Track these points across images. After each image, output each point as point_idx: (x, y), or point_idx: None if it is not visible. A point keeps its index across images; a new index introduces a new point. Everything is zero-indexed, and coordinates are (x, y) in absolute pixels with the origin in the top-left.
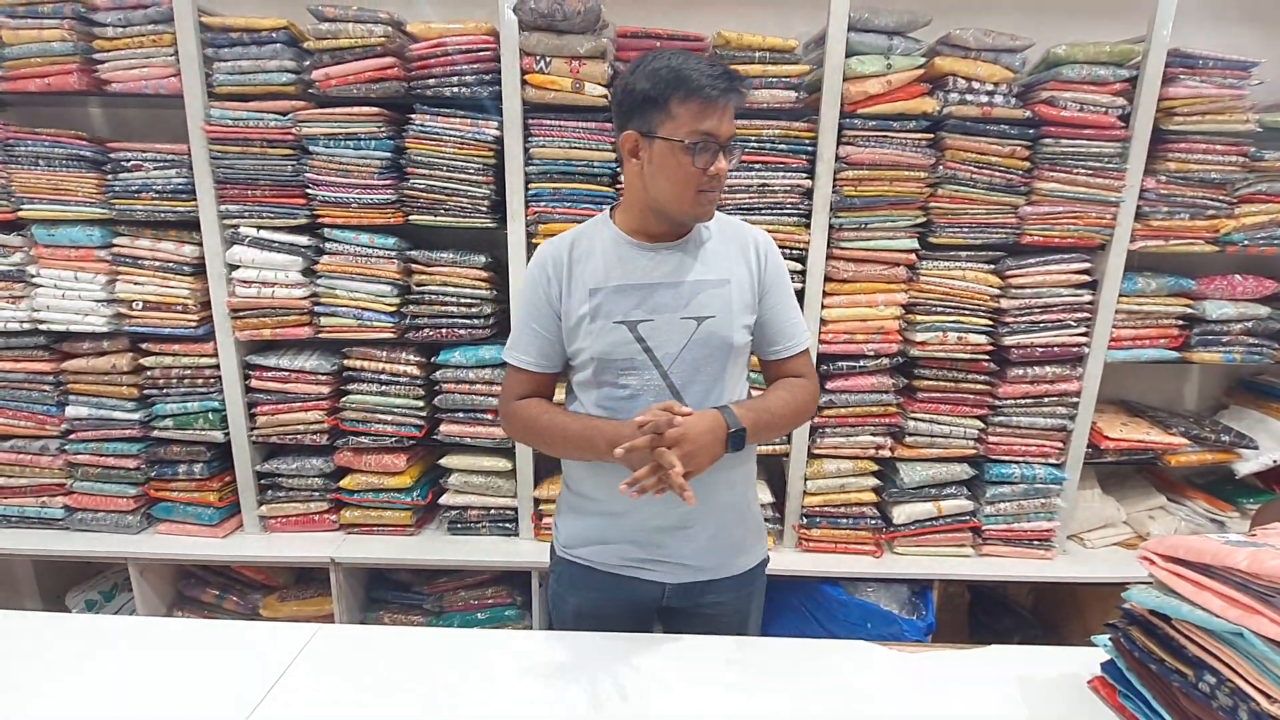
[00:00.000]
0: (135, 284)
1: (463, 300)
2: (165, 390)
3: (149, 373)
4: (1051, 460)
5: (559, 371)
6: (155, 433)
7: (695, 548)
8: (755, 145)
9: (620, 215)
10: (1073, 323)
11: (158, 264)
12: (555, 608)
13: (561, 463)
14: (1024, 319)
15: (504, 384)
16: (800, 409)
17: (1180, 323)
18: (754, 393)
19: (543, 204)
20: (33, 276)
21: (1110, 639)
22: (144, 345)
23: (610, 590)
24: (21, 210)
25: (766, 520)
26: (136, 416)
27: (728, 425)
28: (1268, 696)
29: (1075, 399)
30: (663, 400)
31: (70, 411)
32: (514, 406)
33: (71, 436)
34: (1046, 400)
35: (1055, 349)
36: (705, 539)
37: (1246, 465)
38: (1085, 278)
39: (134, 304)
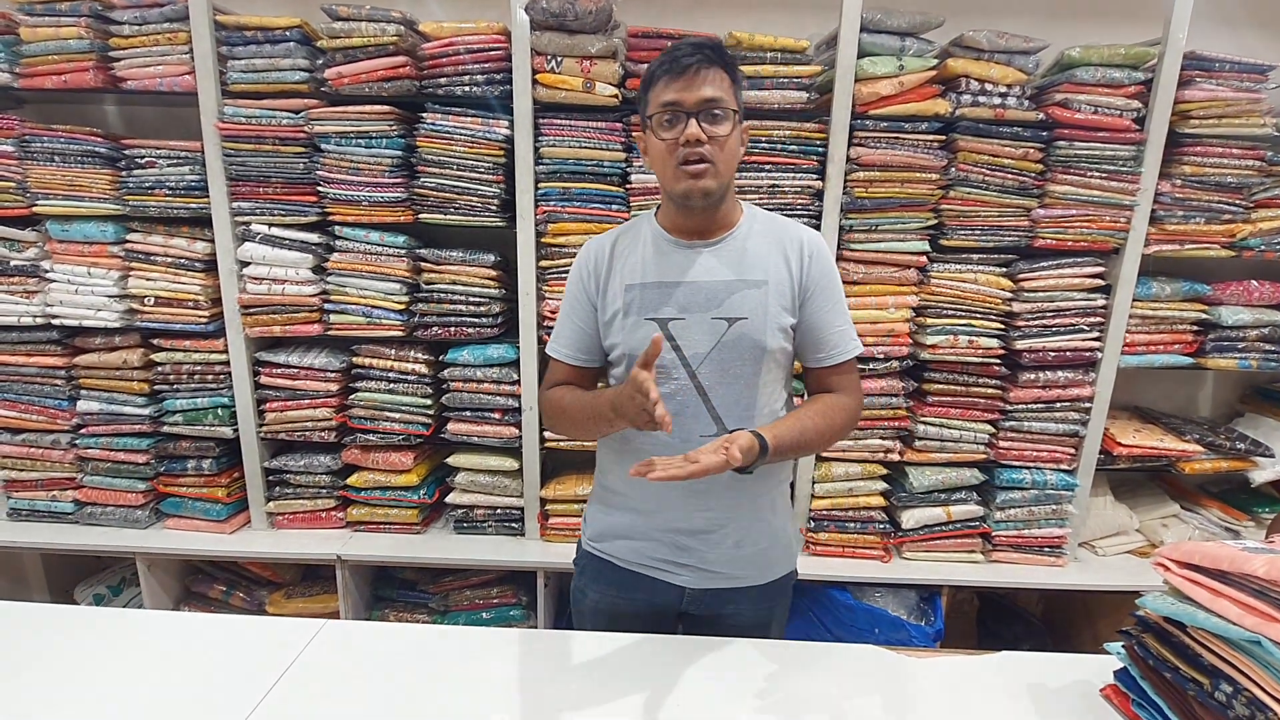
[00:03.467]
0: (147, 280)
1: (471, 299)
2: (175, 386)
3: (160, 368)
4: (1063, 466)
5: (599, 366)
6: (165, 428)
7: (720, 554)
8: (766, 146)
9: (660, 213)
10: (1085, 327)
11: (170, 260)
12: (575, 601)
13: (595, 457)
14: (1036, 323)
15: (545, 375)
16: (834, 432)
17: (1195, 328)
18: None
19: (552, 203)
20: (46, 271)
21: (1124, 646)
22: (155, 341)
23: (630, 588)
24: (37, 205)
25: None
26: (147, 412)
27: (758, 458)
28: None
29: (1088, 404)
30: (690, 400)
31: (81, 406)
32: (546, 393)
33: (82, 431)
34: (1058, 405)
35: (1068, 353)
36: (730, 545)
37: (1262, 474)
38: (1099, 282)
39: (146, 300)
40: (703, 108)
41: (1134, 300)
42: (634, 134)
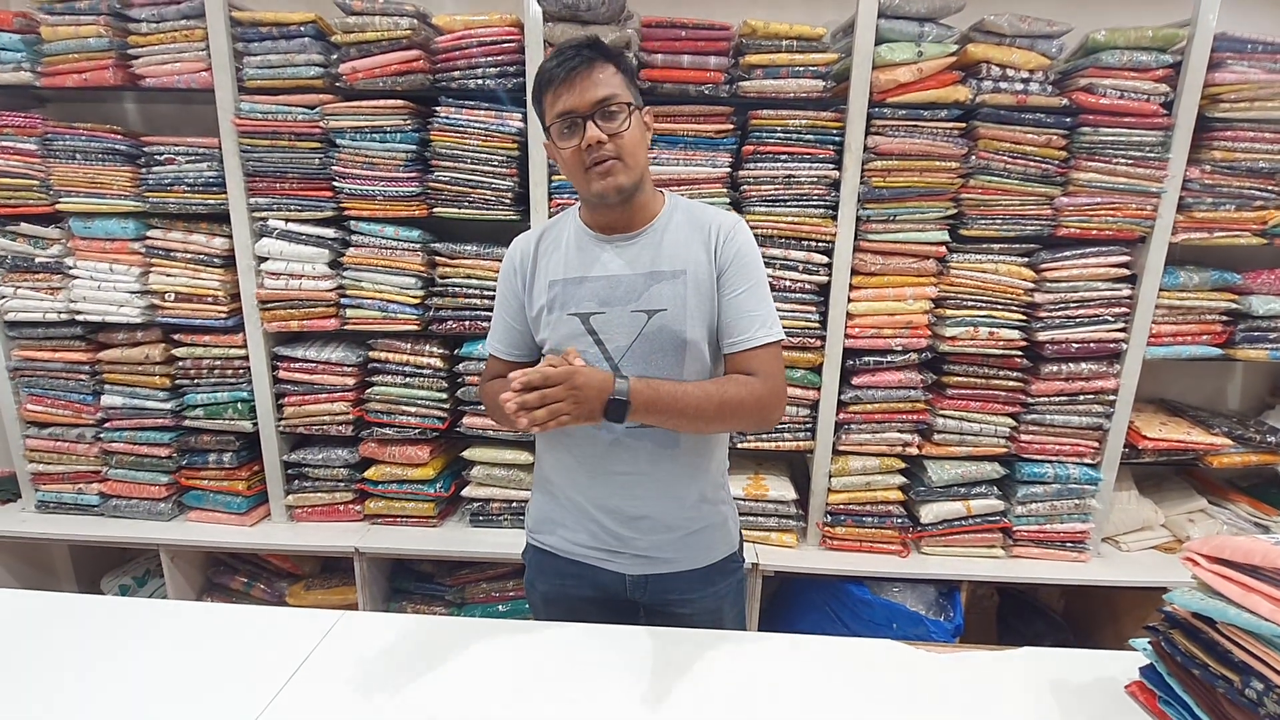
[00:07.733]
0: (168, 276)
1: (486, 293)
2: (196, 380)
3: (180, 363)
4: (1086, 460)
5: (532, 361)
6: (186, 422)
7: (653, 540)
8: (781, 136)
9: (581, 210)
10: (1110, 318)
11: (189, 256)
12: (527, 594)
13: (534, 447)
14: (1059, 314)
15: (484, 369)
16: (731, 405)
17: (1224, 318)
18: None
19: (565, 196)
20: (70, 268)
21: (1150, 643)
22: (176, 336)
23: (573, 578)
24: (59, 203)
25: (790, 517)
26: (168, 406)
27: (614, 392)
28: None
29: (1112, 397)
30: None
31: (105, 400)
32: (485, 386)
33: (107, 425)
34: (1082, 398)
35: (1092, 345)
36: (662, 530)
37: None
38: (1124, 271)
39: (166, 295)
40: (596, 109)
41: (1160, 290)
42: (545, 146)
